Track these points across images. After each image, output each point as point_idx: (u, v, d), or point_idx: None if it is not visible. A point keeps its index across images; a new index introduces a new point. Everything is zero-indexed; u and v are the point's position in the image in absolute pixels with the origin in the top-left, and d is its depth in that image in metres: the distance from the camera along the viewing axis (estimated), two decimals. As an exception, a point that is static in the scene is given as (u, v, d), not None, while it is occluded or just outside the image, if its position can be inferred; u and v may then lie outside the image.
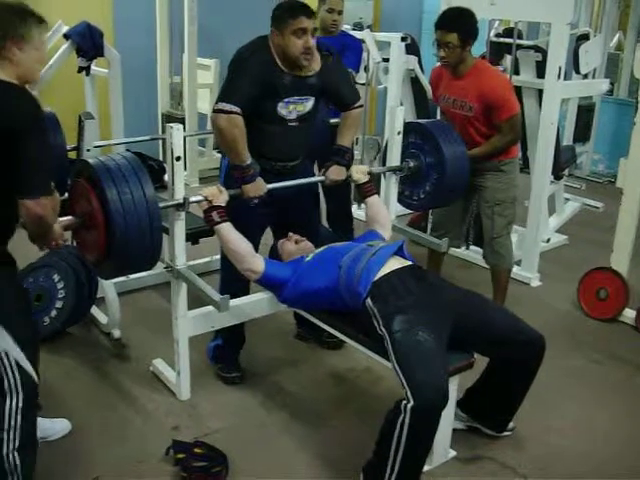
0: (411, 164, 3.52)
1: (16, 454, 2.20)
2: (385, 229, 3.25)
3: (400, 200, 3.74)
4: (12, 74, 2.16)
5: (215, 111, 2.91)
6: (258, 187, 2.97)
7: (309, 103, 3.07)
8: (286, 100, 2.98)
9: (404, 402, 2.33)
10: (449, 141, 3.48)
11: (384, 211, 3.33)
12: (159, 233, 2.62)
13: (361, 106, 3.28)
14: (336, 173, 3.26)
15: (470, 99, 3.66)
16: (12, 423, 2.16)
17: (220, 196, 2.86)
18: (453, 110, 3.77)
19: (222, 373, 3.33)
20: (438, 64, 3.87)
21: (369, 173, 3.34)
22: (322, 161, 4.23)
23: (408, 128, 3.57)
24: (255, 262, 2.90)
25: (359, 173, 3.30)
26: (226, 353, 3.37)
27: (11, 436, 2.17)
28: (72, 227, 2.62)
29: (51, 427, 2.84)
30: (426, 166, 3.51)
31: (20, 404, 2.16)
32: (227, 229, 2.86)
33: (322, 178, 3.29)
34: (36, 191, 2.09)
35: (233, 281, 3.13)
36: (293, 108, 3.02)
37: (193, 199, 2.84)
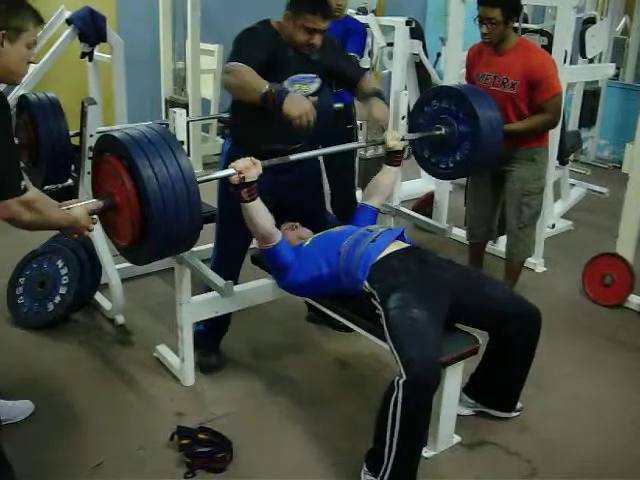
0: (443, 130, 3.36)
1: None
2: (383, 197, 3.22)
3: (425, 167, 3.63)
4: None
5: (223, 73, 2.82)
6: (296, 101, 2.68)
7: (314, 85, 3.04)
8: (292, 79, 2.95)
9: (397, 378, 2.35)
10: (485, 109, 3.30)
11: (393, 182, 3.25)
12: (198, 209, 2.37)
13: (366, 71, 3.22)
14: (382, 111, 3.06)
15: (513, 75, 3.52)
16: None
17: (253, 169, 2.62)
18: (493, 88, 3.59)
19: (201, 358, 3.28)
20: (476, 42, 3.75)
21: (402, 139, 3.19)
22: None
23: (441, 92, 3.43)
24: (272, 236, 2.83)
25: (394, 139, 3.13)
26: (207, 339, 3.32)
27: None
28: (99, 211, 2.38)
29: (14, 408, 2.84)
30: (459, 134, 3.34)
31: None
32: (255, 207, 2.71)
33: (363, 144, 3.38)
34: None
35: (222, 269, 3.08)
36: (298, 88, 2.97)
37: (224, 173, 2.65)
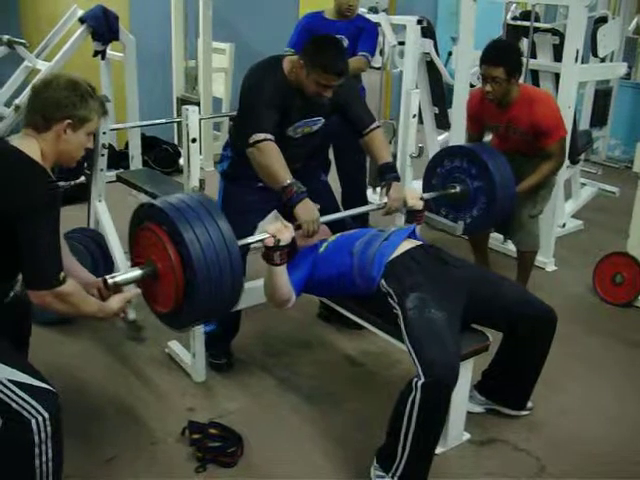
0: (458, 188, 3.43)
1: (50, 464, 2.14)
2: None
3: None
4: (51, 148, 2.11)
5: (250, 146, 2.81)
6: (308, 209, 2.73)
7: (317, 126, 3.04)
8: (297, 124, 2.95)
9: (415, 379, 2.35)
10: (497, 165, 3.37)
11: None
12: (240, 274, 2.33)
13: (379, 126, 3.14)
14: (401, 193, 3.06)
15: (522, 127, 3.65)
16: (42, 436, 2.09)
17: (286, 232, 2.57)
18: (506, 134, 3.76)
19: (212, 359, 3.29)
20: (474, 89, 3.83)
21: (420, 199, 3.16)
22: (338, 145, 4.24)
23: (452, 152, 3.50)
24: (290, 300, 2.79)
25: (414, 199, 3.11)
26: (217, 341, 3.32)
27: (43, 449, 2.10)
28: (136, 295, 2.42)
29: None
30: (474, 190, 3.40)
31: (46, 415, 2.07)
32: (282, 272, 2.66)
33: (376, 207, 3.13)
34: (31, 285, 2.05)
35: None
36: (301, 131, 3.00)
37: (259, 237, 2.59)
